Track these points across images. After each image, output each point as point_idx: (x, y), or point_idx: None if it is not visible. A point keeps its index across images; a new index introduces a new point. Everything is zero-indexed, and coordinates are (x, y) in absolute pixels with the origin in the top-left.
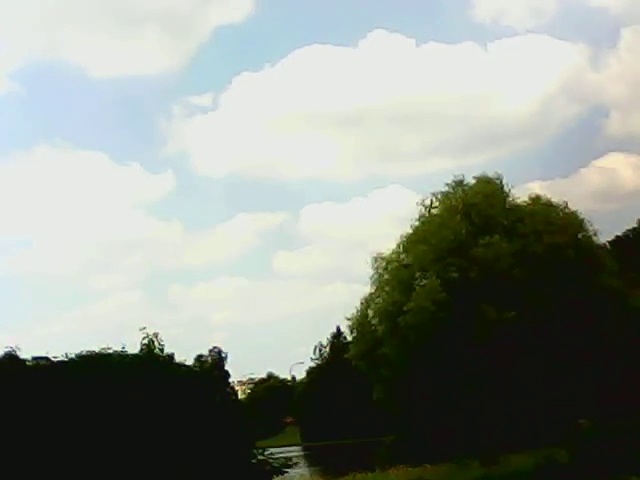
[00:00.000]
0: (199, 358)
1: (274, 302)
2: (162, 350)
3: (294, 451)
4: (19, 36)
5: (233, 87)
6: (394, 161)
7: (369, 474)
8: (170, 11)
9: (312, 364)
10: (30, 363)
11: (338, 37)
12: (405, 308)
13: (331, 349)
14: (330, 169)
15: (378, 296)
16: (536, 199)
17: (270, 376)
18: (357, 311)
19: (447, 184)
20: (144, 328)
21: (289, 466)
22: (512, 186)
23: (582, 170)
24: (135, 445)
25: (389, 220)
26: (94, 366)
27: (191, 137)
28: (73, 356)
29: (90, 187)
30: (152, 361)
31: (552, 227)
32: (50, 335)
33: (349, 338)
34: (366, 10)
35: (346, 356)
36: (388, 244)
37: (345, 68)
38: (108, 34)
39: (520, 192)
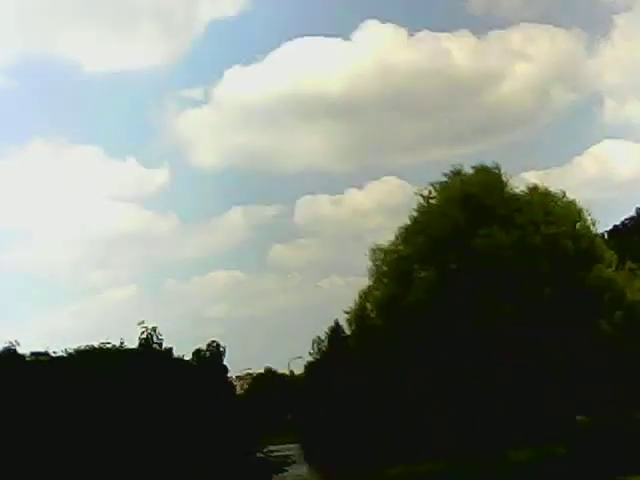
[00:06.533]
0: (197, 352)
1: (270, 295)
2: (160, 344)
3: (293, 449)
4: (11, 30)
5: (225, 80)
6: (389, 152)
7: (368, 471)
8: (163, 5)
9: (310, 358)
10: (29, 358)
11: (330, 28)
12: (404, 300)
13: (329, 343)
14: (324, 161)
15: (376, 288)
16: (534, 189)
17: (268, 371)
18: (355, 304)
19: (445, 174)
20: (142, 322)
21: (288, 464)
22: (510, 175)
23: (577, 158)
24: (135, 439)
25: (385, 211)
26: (93, 361)
27: (185, 130)
28: (72, 351)
29: (85, 181)
30: (151, 355)
31: (550, 217)
32: (48, 330)
33: (347, 332)
34: (358, 1)
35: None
36: (384, 235)
37: (338, 59)
38: (101, 28)
39: (516, 182)
